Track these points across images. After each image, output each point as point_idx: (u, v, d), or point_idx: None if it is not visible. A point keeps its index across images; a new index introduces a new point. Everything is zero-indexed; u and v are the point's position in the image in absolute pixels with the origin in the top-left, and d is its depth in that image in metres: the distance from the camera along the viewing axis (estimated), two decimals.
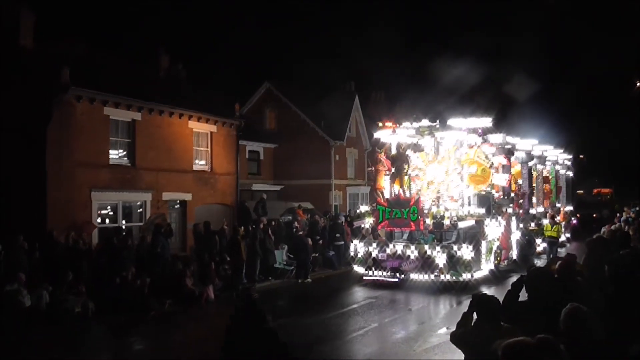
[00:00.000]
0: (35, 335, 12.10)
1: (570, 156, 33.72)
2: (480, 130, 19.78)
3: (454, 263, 17.07)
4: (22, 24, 19.83)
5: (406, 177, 19.56)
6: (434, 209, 18.63)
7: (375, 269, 18.27)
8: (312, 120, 33.08)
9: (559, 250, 22.09)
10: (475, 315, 5.12)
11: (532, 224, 24.08)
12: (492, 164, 20.31)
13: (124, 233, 17.52)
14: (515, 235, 21.38)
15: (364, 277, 18.58)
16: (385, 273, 18.07)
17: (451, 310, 14.75)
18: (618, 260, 6.20)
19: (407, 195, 19.23)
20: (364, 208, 21.41)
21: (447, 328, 11.92)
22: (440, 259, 17.26)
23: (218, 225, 20.13)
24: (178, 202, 23.69)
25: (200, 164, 25.01)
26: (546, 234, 22.48)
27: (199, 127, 24.73)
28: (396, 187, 19.36)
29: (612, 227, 16.82)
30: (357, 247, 19.12)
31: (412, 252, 17.86)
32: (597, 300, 5.41)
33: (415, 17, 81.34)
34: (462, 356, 5.18)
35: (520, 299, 5.72)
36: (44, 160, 18.32)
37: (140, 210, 21.87)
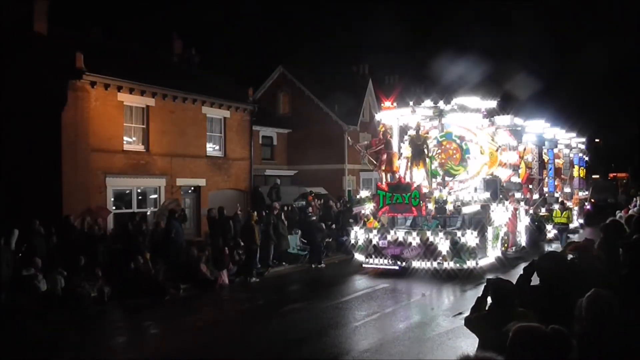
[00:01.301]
0: (50, 320, 12.25)
1: (584, 139, 33.01)
2: (484, 111, 19.12)
3: (457, 250, 16.37)
4: (36, 10, 19.84)
5: (428, 160, 18.87)
6: (437, 193, 18.05)
7: (376, 257, 17.69)
8: (325, 105, 32.97)
9: (570, 236, 21.46)
10: (489, 300, 5.11)
11: (543, 210, 23.46)
12: (500, 146, 19.76)
13: (139, 218, 17.63)
14: (524, 221, 20.70)
15: (364, 265, 18.07)
16: (385, 261, 17.48)
17: (456, 299, 14.55)
18: (632, 243, 6.12)
19: (430, 180, 18.65)
20: (364, 193, 20.49)
21: (459, 313, 11.92)
22: (443, 245, 16.54)
23: (232, 210, 20.20)
24: (192, 187, 23.78)
25: (213, 150, 25.05)
26: (555, 220, 21.90)
27: (213, 113, 24.74)
28: (416, 171, 18.75)
29: (630, 212, 16.56)
30: (357, 234, 18.41)
31: (414, 239, 17.08)
32: (613, 284, 5.37)
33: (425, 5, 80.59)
34: (476, 341, 5.16)
35: (533, 283, 5.68)
36: (59, 145, 18.43)
37: (155, 195, 21.98)
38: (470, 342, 5.93)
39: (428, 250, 16.75)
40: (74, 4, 41.78)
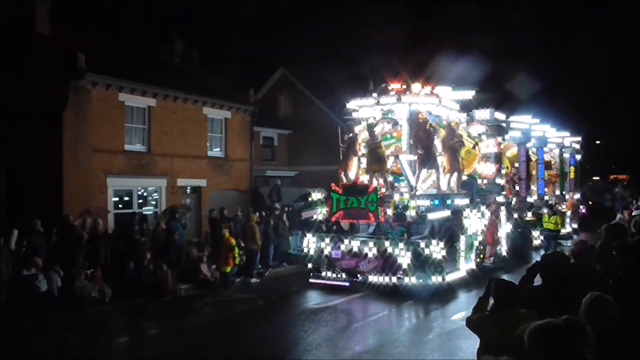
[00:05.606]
0: (50, 321, 12.25)
1: (579, 139, 31.09)
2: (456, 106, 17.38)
3: (421, 263, 14.18)
4: (37, 11, 19.91)
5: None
6: (397, 197, 15.73)
7: (328, 269, 15.67)
8: (326, 106, 32.98)
9: (560, 242, 19.91)
10: (491, 300, 5.11)
11: (529, 214, 21.33)
12: (477, 143, 18.19)
13: (139, 218, 17.63)
14: (506, 228, 18.61)
15: (310, 280, 15.95)
16: (334, 275, 15.52)
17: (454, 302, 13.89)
18: (628, 245, 6.09)
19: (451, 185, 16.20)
20: (316, 196, 17.74)
21: (452, 317, 11.92)
22: (404, 258, 14.34)
23: (232, 211, 20.20)
24: (193, 188, 23.77)
25: (214, 150, 25.05)
26: (544, 226, 20.00)
27: (214, 113, 24.73)
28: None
29: (633, 213, 16.44)
30: (309, 242, 16.30)
31: (370, 250, 14.91)
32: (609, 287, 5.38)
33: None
34: (477, 341, 5.17)
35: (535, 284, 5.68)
36: (60, 146, 18.44)
37: (156, 196, 21.97)
38: (472, 343, 5.92)
39: (386, 264, 14.61)
40: (75, 5, 41.87)
